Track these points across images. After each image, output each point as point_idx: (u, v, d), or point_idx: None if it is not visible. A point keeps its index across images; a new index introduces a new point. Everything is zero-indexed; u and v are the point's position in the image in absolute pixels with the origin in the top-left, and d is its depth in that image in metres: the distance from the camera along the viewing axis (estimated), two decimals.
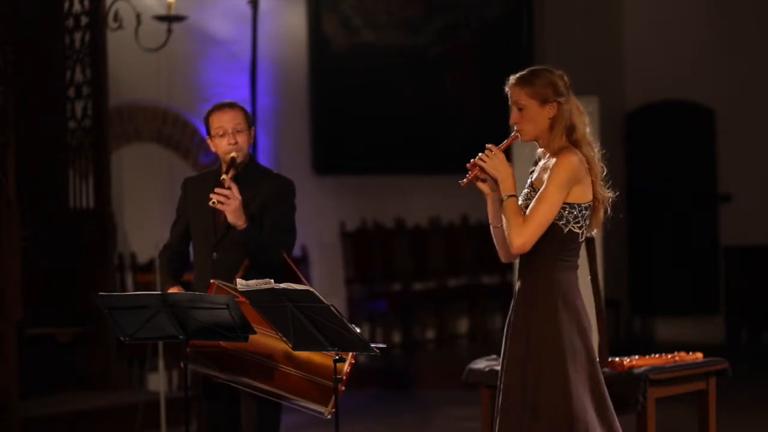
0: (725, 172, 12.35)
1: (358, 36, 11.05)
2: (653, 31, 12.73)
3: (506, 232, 4.14)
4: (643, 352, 5.56)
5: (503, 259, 4.35)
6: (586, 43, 12.47)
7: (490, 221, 4.29)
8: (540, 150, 4.32)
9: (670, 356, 5.30)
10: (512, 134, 4.28)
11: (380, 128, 11.08)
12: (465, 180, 4.25)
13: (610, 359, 5.21)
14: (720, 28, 12.34)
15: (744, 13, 12.21)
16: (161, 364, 7.32)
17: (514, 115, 4.24)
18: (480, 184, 4.24)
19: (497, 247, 4.31)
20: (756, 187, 12.05)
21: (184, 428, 4.70)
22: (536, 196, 4.14)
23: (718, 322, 12.18)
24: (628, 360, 5.17)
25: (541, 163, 4.30)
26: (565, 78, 4.25)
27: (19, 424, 7.17)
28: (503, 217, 4.15)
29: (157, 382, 8.05)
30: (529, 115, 4.20)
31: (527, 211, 4.14)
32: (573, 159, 4.14)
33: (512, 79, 4.25)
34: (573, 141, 4.21)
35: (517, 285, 4.28)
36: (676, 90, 12.52)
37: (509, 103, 4.28)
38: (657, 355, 5.32)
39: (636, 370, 5.07)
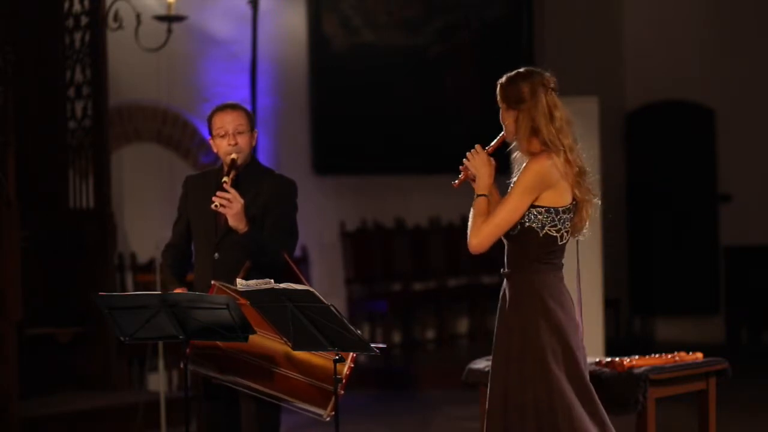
0: (725, 172, 12.35)
1: (358, 36, 11.05)
2: (653, 31, 12.73)
3: (468, 230, 4.20)
4: (643, 352, 5.56)
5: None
6: (586, 43, 12.47)
7: None
8: (517, 153, 4.35)
9: (670, 356, 5.30)
10: (500, 134, 4.34)
11: (380, 128, 11.07)
12: (457, 181, 4.34)
13: (609, 359, 5.22)
14: (720, 28, 12.34)
15: (744, 13, 12.21)
16: (161, 364, 7.31)
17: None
18: (474, 185, 4.29)
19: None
20: (756, 187, 12.05)
21: (184, 428, 4.70)
22: (502, 198, 4.19)
23: (718, 322, 12.18)
24: (628, 360, 5.17)
25: (518, 167, 4.32)
26: (546, 81, 4.24)
27: (19, 424, 7.17)
28: (471, 213, 4.21)
29: (157, 382, 8.05)
30: (502, 117, 4.30)
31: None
32: (544, 164, 4.16)
33: None
34: (542, 144, 4.22)
35: (503, 288, 4.33)
36: (676, 90, 12.52)
37: None
38: (657, 355, 5.31)
39: (636, 370, 5.06)
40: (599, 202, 4.34)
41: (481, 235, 4.16)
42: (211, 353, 4.69)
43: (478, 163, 4.23)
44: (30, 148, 8.24)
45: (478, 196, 4.20)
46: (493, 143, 4.31)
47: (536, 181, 4.15)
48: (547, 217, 4.17)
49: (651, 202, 12.68)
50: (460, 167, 4.30)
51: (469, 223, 4.21)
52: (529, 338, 4.18)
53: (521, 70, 4.31)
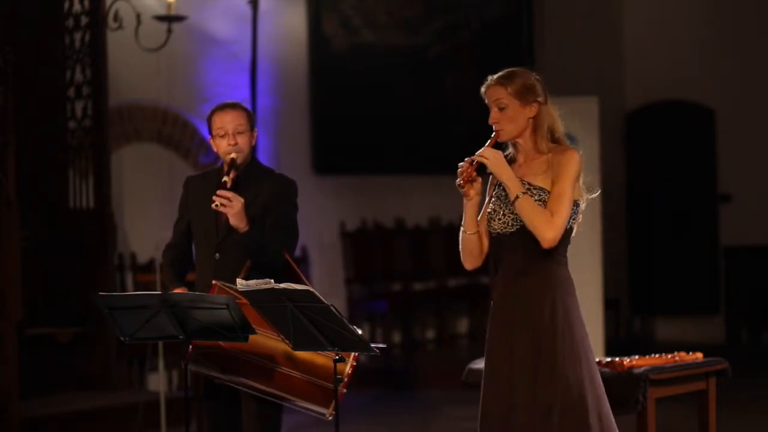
0: (725, 172, 12.35)
1: (358, 36, 11.05)
2: (653, 31, 12.73)
3: (532, 226, 4.07)
4: (643, 352, 5.56)
5: (468, 265, 4.30)
6: (586, 43, 12.48)
7: (464, 228, 4.24)
8: (510, 150, 4.30)
9: (670, 356, 5.30)
10: (492, 135, 4.25)
11: (380, 128, 11.08)
12: (462, 180, 4.15)
13: (609, 359, 5.22)
14: (720, 28, 12.35)
15: (744, 13, 12.21)
16: (161, 364, 7.32)
17: (494, 114, 4.24)
18: (468, 187, 4.16)
19: (463, 253, 4.27)
20: (756, 187, 12.05)
21: (184, 428, 4.70)
22: (554, 193, 4.11)
23: (718, 322, 12.19)
24: (628, 360, 5.17)
25: (522, 162, 4.26)
26: (541, 80, 4.25)
27: (19, 424, 7.17)
28: (523, 213, 4.09)
29: (157, 382, 8.05)
30: (510, 114, 4.22)
31: (549, 207, 4.09)
32: (578, 156, 4.17)
33: (492, 79, 4.27)
34: (554, 141, 4.21)
35: (507, 285, 4.21)
36: (676, 90, 12.52)
37: (487, 103, 4.28)
38: (657, 355, 5.31)
39: (636, 370, 5.06)
40: (585, 202, 4.28)
41: (556, 229, 4.06)
42: (212, 353, 4.69)
43: (501, 162, 4.15)
44: (30, 148, 8.24)
45: (524, 193, 4.09)
46: (488, 144, 4.22)
47: (578, 172, 4.14)
48: (573, 210, 4.15)
49: (651, 201, 12.69)
50: (461, 169, 4.16)
51: (531, 219, 4.05)
52: (559, 333, 4.10)
53: (515, 69, 4.28)
